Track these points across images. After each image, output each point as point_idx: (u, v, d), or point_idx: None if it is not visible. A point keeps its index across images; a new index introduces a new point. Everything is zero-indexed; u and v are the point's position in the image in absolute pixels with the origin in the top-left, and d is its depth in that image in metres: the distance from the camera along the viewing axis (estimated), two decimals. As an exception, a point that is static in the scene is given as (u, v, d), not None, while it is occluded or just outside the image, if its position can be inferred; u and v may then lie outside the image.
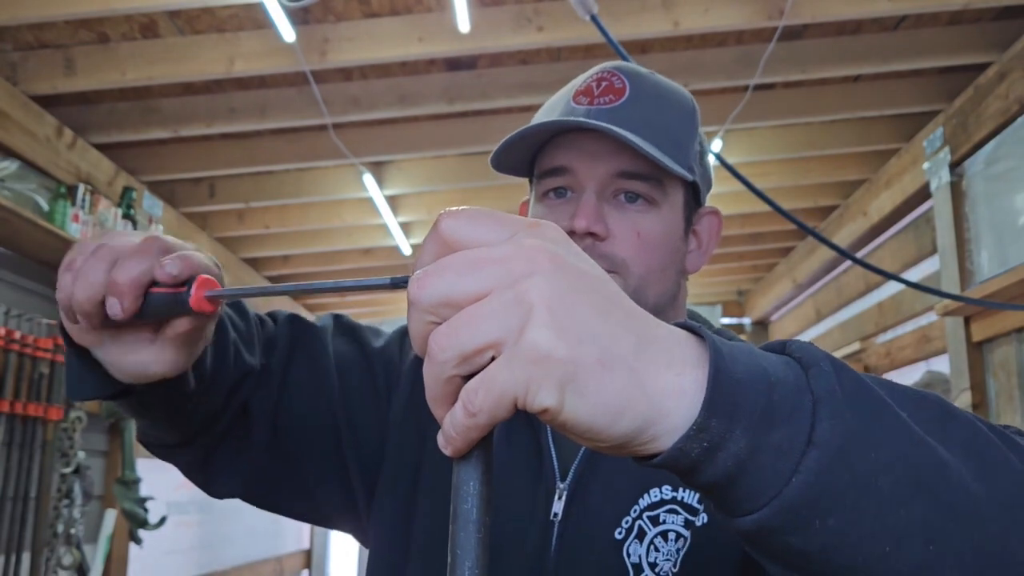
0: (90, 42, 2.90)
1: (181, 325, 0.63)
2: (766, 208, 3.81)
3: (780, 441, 0.40)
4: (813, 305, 5.35)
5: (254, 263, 5.22)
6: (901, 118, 3.65)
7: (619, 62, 0.87)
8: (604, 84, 0.83)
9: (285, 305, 5.70)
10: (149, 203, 3.82)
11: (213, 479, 0.85)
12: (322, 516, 0.92)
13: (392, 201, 4.23)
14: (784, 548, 0.42)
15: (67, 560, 2.98)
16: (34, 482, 2.88)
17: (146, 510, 3.38)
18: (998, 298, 2.76)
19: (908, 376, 3.92)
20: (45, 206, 3.07)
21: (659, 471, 0.42)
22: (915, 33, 3.04)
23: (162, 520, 3.43)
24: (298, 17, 2.76)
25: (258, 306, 0.93)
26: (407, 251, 4.83)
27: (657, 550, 0.72)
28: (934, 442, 0.43)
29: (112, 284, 0.59)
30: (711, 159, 0.91)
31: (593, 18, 1.53)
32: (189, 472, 0.85)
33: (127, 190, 3.57)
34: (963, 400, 3.08)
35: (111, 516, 3.44)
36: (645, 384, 0.39)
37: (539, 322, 0.38)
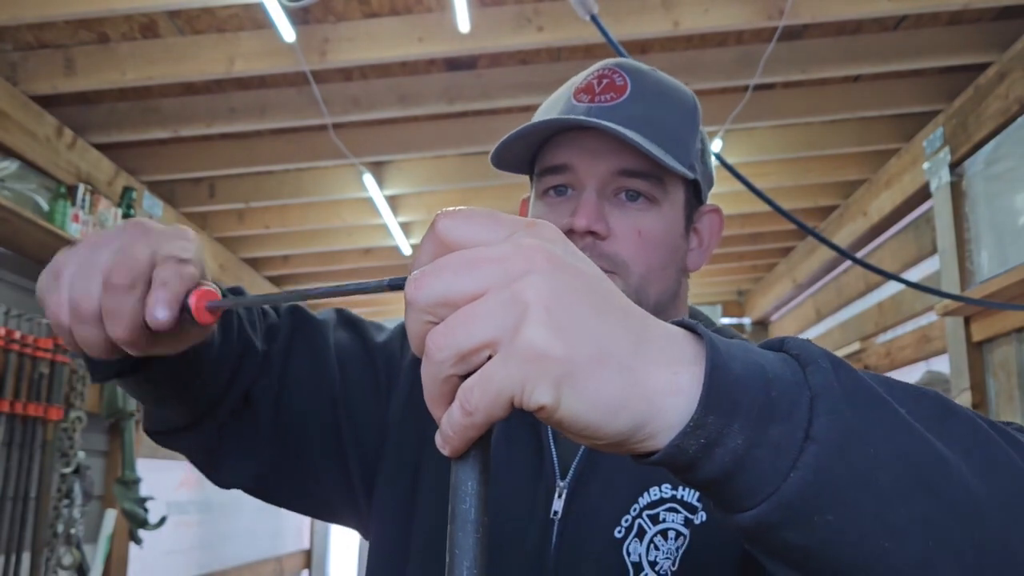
0: (90, 42, 2.90)
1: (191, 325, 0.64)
2: (766, 208, 3.81)
3: (778, 437, 0.40)
4: (813, 305, 5.35)
5: (254, 263, 5.22)
6: (901, 118, 3.65)
7: (620, 59, 0.87)
8: (605, 81, 0.82)
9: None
10: (149, 203, 3.82)
11: (220, 467, 0.85)
12: (324, 509, 0.92)
13: (392, 201, 4.23)
14: (783, 544, 0.42)
15: (67, 560, 2.98)
16: (34, 482, 2.88)
17: (146, 510, 3.38)
18: (998, 298, 2.76)
19: (908, 376, 3.92)
20: (45, 206, 3.07)
21: (659, 470, 0.42)
22: (915, 33, 3.04)
23: (162, 520, 3.43)
24: (298, 17, 2.76)
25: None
26: (407, 251, 4.83)
27: (657, 549, 0.72)
28: (933, 438, 0.43)
29: (117, 340, 0.58)
30: (712, 158, 0.91)
31: (593, 18, 1.53)
32: (195, 459, 0.84)
33: (127, 190, 3.57)
34: (963, 400, 3.08)
35: (111, 516, 3.44)
36: (642, 382, 0.39)
37: (535, 321, 0.38)
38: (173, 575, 4.39)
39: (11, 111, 2.90)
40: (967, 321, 3.13)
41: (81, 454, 3.06)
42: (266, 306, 0.88)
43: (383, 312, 6.33)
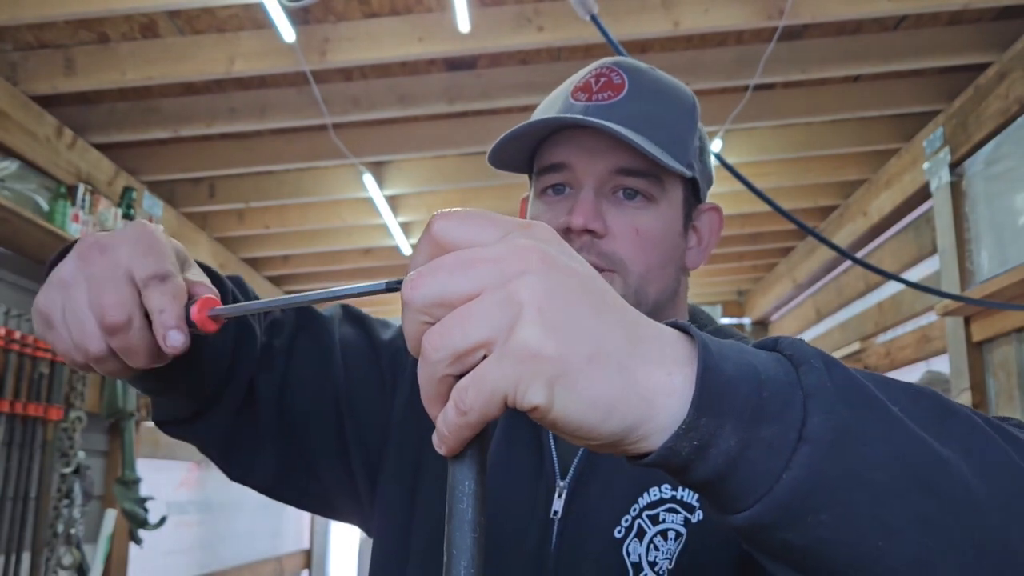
0: (90, 42, 2.90)
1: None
2: (766, 208, 3.82)
3: (771, 438, 0.40)
4: (813, 305, 5.35)
5: (254, 263, 5.22)
6: (901, 118, 3.65)
7: (618, 58, 0.86)
8: (603, 80, 0.82)
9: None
10: (149, 203, 3.82)
11: (232, 460, 0.85)
12: (327, 506, 0.92)
13: (392, 201, 4.23)
14: (779, 544, 0.42)
15: (67, 560, 2.99)
16: (34, 482, 2.88)
17: (146, 510, 3.39)
18: (998, 298, 2.76)
19: (908, 376, 3.92)
20: (45, 206, 3.07)
21: (658, 470, 0.42)
22: (915, 33, 3.04)
23: (162, 520, 3.43)
24: (298, 17, 2.76)
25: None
26: (407, 251, 4.83)
27: (657, 549, 0.72)
28: (930, 437, 0.43)
29: (136, 368, 0.60)
30: (711, 157, 0.91)
31: (593, 18, 1.53)
32: (209, 451, 0.85)
33: (127, 190, 3.57)
34: (963, 400, 3.08)
35: (111, 516, 3.44)
36: (635, 383, 0.39)
37: (529, 321, 0.38)
38: (173, 575, 4.39)
39: (11, 111, 2.90)
40: (967, 321, 3.13)
41: (81, 454, 3.06)
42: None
43: (383, 312, 6.33)
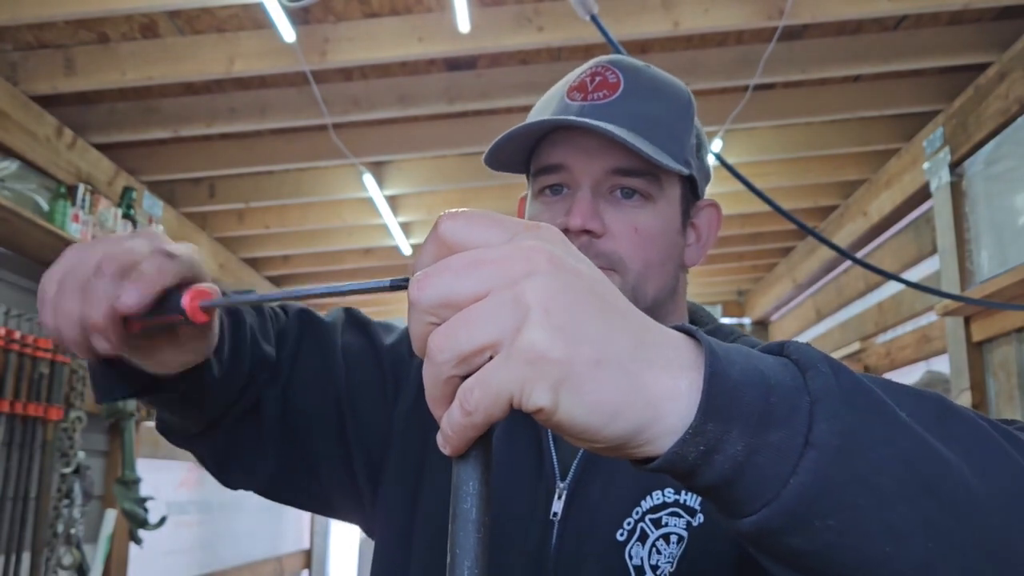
0: (90, 42, 2.90)
1: (189, 328, 0.64)
2: (766, 208, 3.81)
3: (777, 443, 0.40)
4: (813, 305, 5.35)
5: (254, 263, 5.22)
6: (901, 118, 3.65)
7: (614, 56, 0.86)
8: (598, 79, 0.82)
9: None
10: (149, 203, 3.82)
11: (230, 470, 0.86)
12: (333, 508, 0.93)
13: (392, 201, 4.23)
14: (785, 549, 0.42)
15: (67, 560, 2.98)
16: (34, 482, 2.88)
17: (146, 510, 3.39)
18: (998, 298, 2.76)
19: (908, 376, 3.92)
20: (45, 206, 3.07)
21: (661, 473, 0.42)
22: (915, 33, 3.04)
23: (162, 520, 3.43)
24: (298, 17, 2.76)
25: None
26: (407, 251, 4.83)
27: (659, 553, 0.72)
28: (934, 440, 0.43)
29: (87, 323, 0.59)
30: (710, 157, 0.91)
31: (593, 18, 1.53)
32: (206, 463, 0.86)
33: (127, 190, 3.57)
34: (963, 400, 3.08)
35: (111, 516, 3.44)
36: (641, 386, 0.39)
37: (535, 322, 0.38)
38: (173, 575, 4.39)
39: (11, 111, 2.90)
40: (967, 321, 3.13)
41: (81, 454, 3.06)
42: (276, 309, 0.88)
43: (383, 313, 6.33)
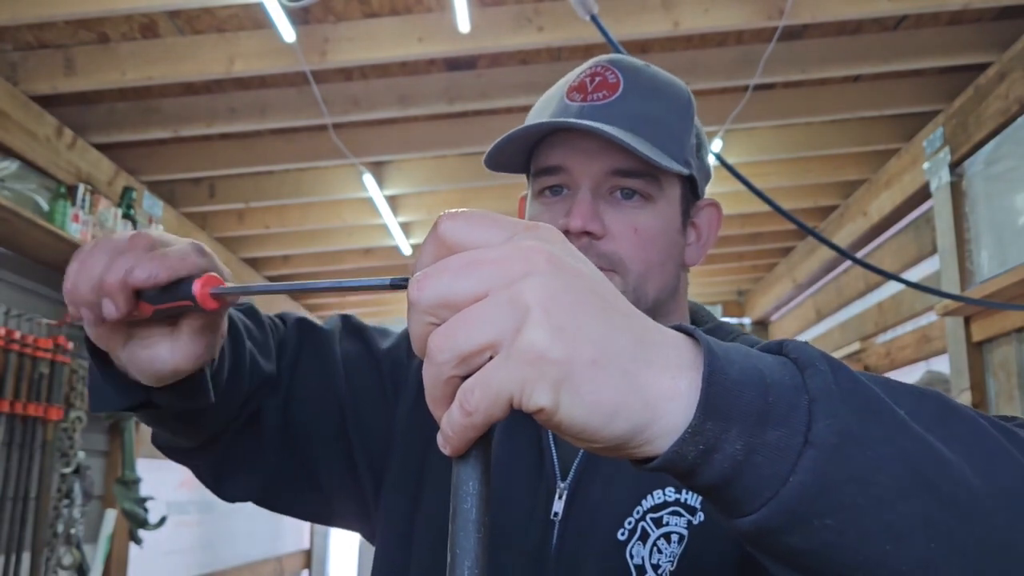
0: (90, 42, 2.90)
1: (193, 319, 0.65)
2: (766, 208, 3.82)
3: (776, 442, 0.40)
4: (813, 305, 5.35)
5: (254, 263, 5.22)
6: (901, 118, 3.66)
7: (614, 55, 0.86)
8: (598, 79, 0.82)
9: (286, 303, 5.71)
10: (149, 203, 3.82)
11: (225, 482, 0.86)
12: (332, 515, 0.93)
13: (392, 201, 4.23)
14: (785, 548, 0.41)
15: (67, 560, 2.99)
16: (34, 482, 2.88)
17: (146, 510, 3.39)
18: (998, 298, 2.76)
19: (908, 376, 3.92)
20: (45, 206, 3.07)
21: (662, 472, 0.42)
22: (915, 33, 3.05)
23: (162, 520, 3.43)
24: (298, 17, 2.76)
25: (261, 306, 0.94)
26: (407, 251, 4.83)
27: (660, 552, 0.72)
28: (933, 438, 0.43)
29: (102, 284, 0.60)
30: (711, 157, 0.91)
31: (593, 18, 1.53)
32: (202, 475, 0.86)
33: (127, 190, 3.57)
34: (963, 400, 3.08)
35: (111, 516, 3.44)
36: (640, 386, 0.39)
37: (535, 323, 0.38)
38: (173, 575, 4.39)
39: (11, 111, 2.90)
40: (967, 321, 3.13)
41: (81, 454, 3.06)
42: (275, 319, 0.89)
43: (384, 312, 6.33)
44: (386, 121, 3.54)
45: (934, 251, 3.55)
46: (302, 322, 0.90)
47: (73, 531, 3.01)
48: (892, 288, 4.14)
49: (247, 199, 4.09)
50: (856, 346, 4.59)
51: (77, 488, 3.04)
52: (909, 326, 4.07)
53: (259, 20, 2.79)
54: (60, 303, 3.04)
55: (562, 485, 0.77)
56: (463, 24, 2.67)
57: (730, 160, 3.38)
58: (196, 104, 3.28)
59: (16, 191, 2.96)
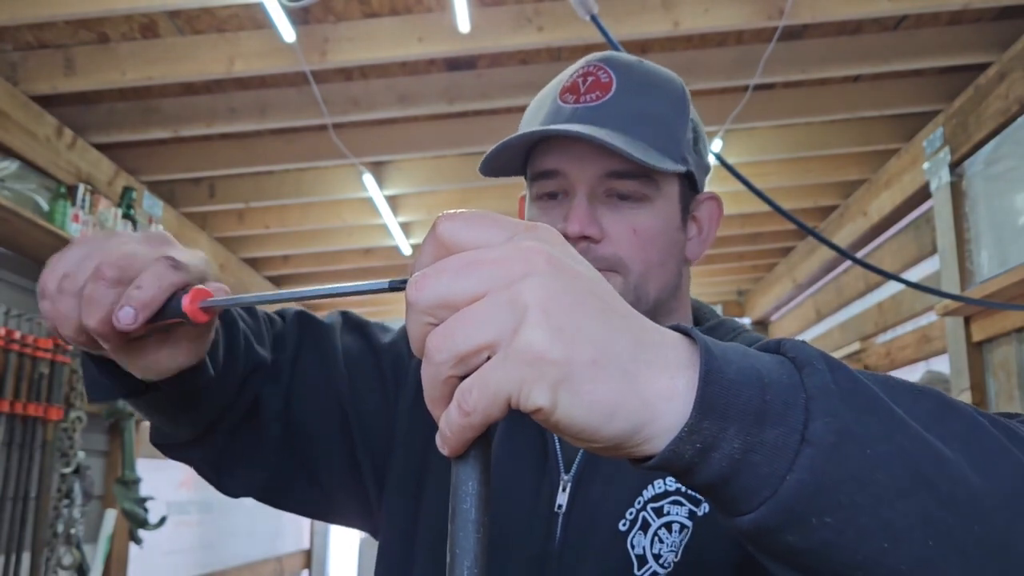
0: (90, 42, 2.90)
1: (187, 327, 0.64)
2: (766, 208, 3.82)
3: (774, 440, 0.40)
4: (813, 305, 5.35)
5: (254, 263, 5.22)
6: (901, 118, 3.65)
7: (606, 53, 0.86)
8: (591, 79, 0.82)
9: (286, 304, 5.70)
10: (149, 203, 3.82)
11: (227, 477, 0.85)
12: (332, 512, 0.93)
13: (392, 201, 4.23)
14: (783, 547, 0.42)
15: (67, 560, 2.99)
16: (34, 482, 2.88)
17: (146, 510, 3.39)
18: (998, 298, 2.76)
19: (908, 376, 3.89)
20: (45, 206, 3.07)
21: None
22: (915, 33, 3.05)
23: (162, 520, 3.43)
24: (298, 17, 2.76)
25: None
26: (407, 251, 4.83)
27: (661, 541, 0.72)
28: (932, 437, 0.43)
29: (84, 328, 0.58)
30: (711, 157, 0.91)
31: (593, 18, 1.53)
32: (203, 470, 0.85)
33: (127, 190, 3.57)
34: (963, 400, 3.08)
35: (111, 516, 3.44)
36: (638, 386, 0.39)
37: (534, 323, 0.38)
38: (173, 575, 4.39)
39: (11, 111, 2.90)
40: (967, 321, 3.13)
41: (81, 454, 3.06)
42: (272, 314, 0.88)
43: (383, 313, 6.33)
44: (386, 121, 3.54)
45: (934, 251, 3.55)
46: (302, 315, 0.90)
47: (73, 531, 3.01)
48: (892, 288, 4.14)
49: (247, 199, 4.09)
50: (856, 346, 4.59)
51: (77, 488, 3.04)
52: (909, 326, 4.07)
53: (259, 20, 2.79)
54: (60, 303, 3.04)
55: (565, 478, 0.77)
56: (463, 24, 2.67)
57: (730, 160, 3.37)
58: (196, 104, 3.28)
59: (16, 191, 2.96)
